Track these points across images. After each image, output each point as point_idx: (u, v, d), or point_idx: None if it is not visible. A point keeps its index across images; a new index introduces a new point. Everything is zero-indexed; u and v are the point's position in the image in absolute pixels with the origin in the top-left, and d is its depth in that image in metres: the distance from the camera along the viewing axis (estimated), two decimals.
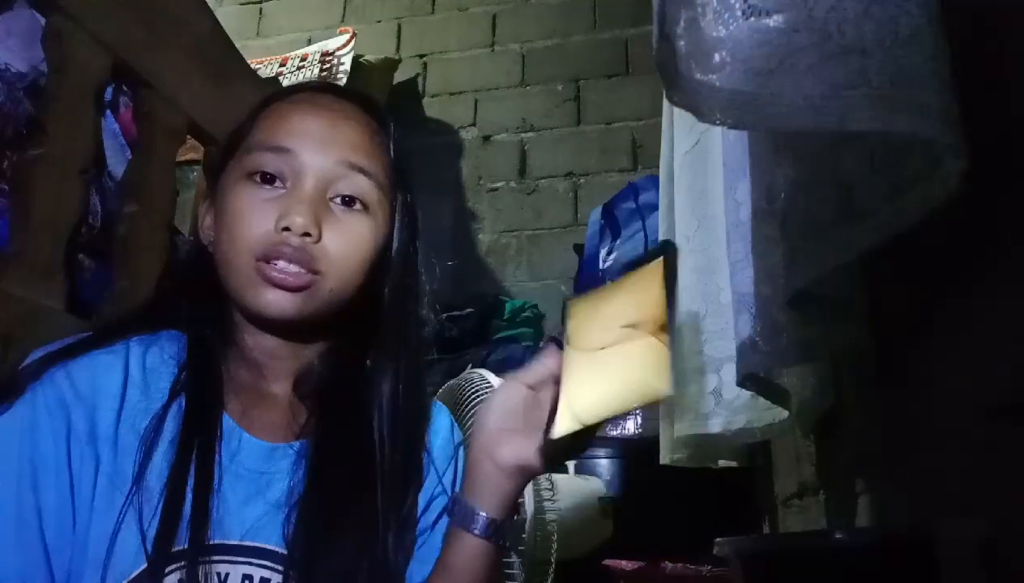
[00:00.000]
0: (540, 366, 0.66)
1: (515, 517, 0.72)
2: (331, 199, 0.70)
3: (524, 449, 0.64)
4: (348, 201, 0.70)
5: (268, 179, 0.69)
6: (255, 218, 0.68)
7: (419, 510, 0.73)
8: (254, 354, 0.73)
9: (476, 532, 0.65)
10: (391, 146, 0.75)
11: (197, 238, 0.77)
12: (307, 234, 0.67)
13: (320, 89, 0.76)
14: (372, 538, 0.67)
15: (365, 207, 0.71)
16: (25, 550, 0.60)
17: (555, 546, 1.46)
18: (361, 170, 0.71)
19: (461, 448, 0.79)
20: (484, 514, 0.66)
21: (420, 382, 0.77)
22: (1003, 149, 0.68)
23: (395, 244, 0.74)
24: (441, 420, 0.79)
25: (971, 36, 0.69)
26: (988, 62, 0.72)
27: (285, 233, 0.67)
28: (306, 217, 0.67)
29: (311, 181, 0.69)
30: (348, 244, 0.70)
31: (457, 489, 0.75)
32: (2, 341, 0.94)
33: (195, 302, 0.74)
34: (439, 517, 0.73)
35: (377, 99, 0.81)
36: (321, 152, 0.70)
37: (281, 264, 0.67)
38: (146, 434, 0.65)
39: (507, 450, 0.65)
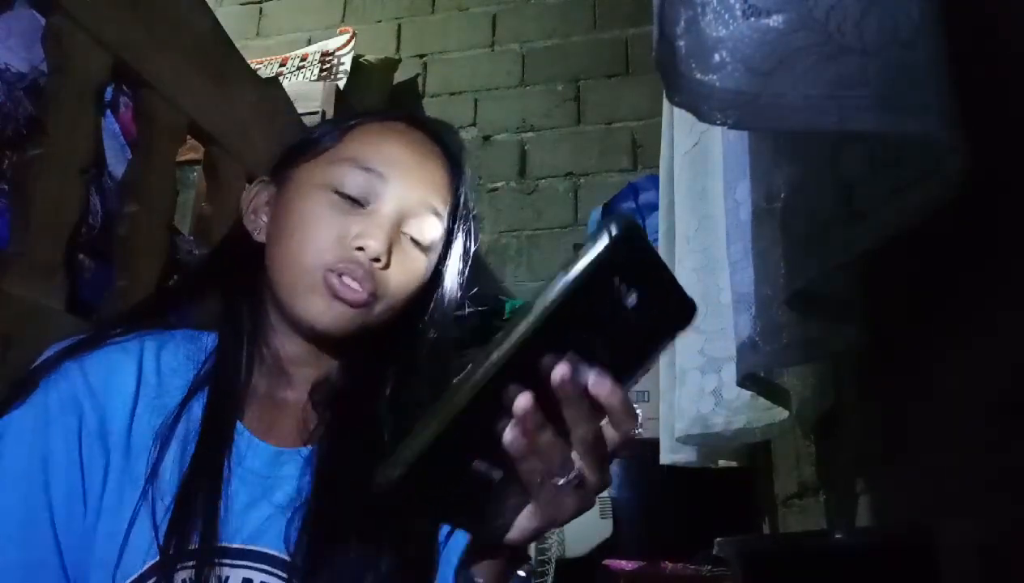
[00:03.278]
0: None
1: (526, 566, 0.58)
2: (403, 232, 0.72)
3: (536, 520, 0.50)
4: (418, 241, 0.73)
5: (349, 197, 0.70)
6: (332, 229, 0.69)
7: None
8: (277, 358, 0.74)
9: None
10: (462, 191, 0.78)
11: (237, 231, 0.77)
12: (377, 259, 0.69)
13: (414, 123, 0.78)
14: (377, 548, 0.66)
15: (428, 248, 0.74)
16: (35, 544, 0.61)
17: (555, 546, 1.46)
18: (436, 213, 0.73)
19: None
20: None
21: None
22: (1003, 149, 0.68)
23: (445, 285, 0.77)
24: None
25: (971, 36, 0.69)
26: (988, 62, 0.72)
27: (359, 252, 0.68)
28: (382, 243, 0.69)
29: (393, 210, 0.71)
30: (406, 278, 0.72)
31: None
32: (2, 341, 0.94)
33: (232, 297, 0.75)
34: (451, 532, 0.71)
35: (461, 141, 0.84)
36: (408, 186, 0.72)
37: (346, 279, 0.68)
38: (161, 432, 0.66)
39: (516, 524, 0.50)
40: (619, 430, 0.47)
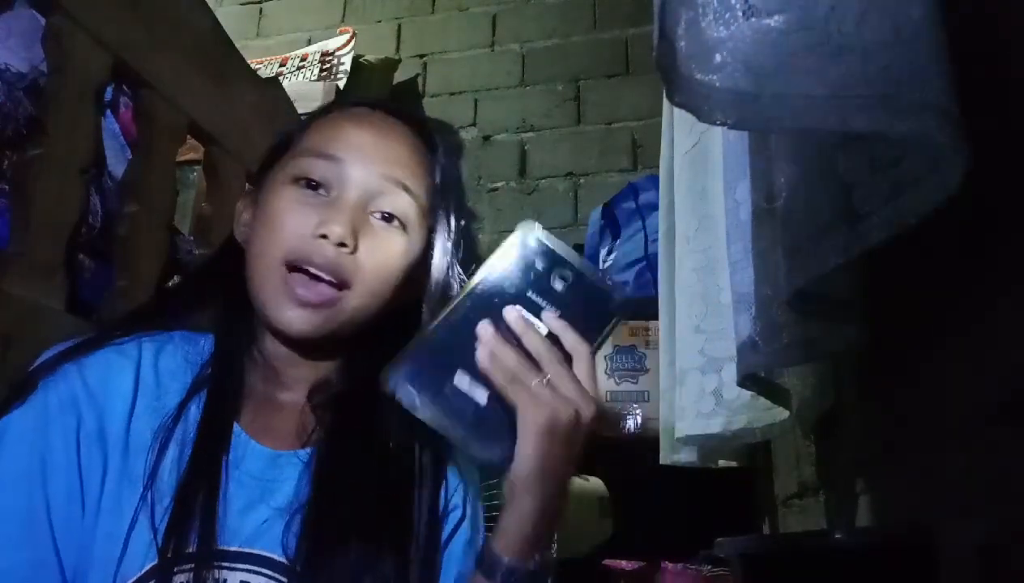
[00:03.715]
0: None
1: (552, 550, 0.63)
2: (371, 213, 0.70)
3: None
4: (387, 217, 0.70)
5: (312, 185, 0.69)
6: (294, 220, 0.68)
7: (440, 530, 0.71)
8: (272, 361, 0.73)
9: None
10: (438, 169, 0.76)
11: (230, 235, 0.77)
12: (343, 244, 0.67)
13: (376, 106, 0.77)
14: (377, 550, 0.66)
15: (403, 226, 0.71)
16: (35, 545, 0.60)
17: (555, 546, 1.46)
18: (404, 187, 0.71)
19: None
20: (522, 564, 0.59)
21: None
22: (1004, 149, 0.68)
23: (433, 267, 0.74)
24: None
25: (972, 36, 0.69)
26: (989, 62, 0.72)
27: (321, 240, 0.67)
28: (345, 227, 0.67)
29: (354, 192, 0.69)
30: (381, 260, 0.70)
31: (471, 503, 0.73)
32: (2, 341, 0.94)
33: (226, 301, 0.74)
34: (453, 532, 0.72)
35: (432, 122, 0.81)
36: (367, 165, 0.70)
37: (312, 270, 0.67)
38: (159, 434, 0.66)
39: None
40: (576, 353, 0.58)
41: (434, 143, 0.77)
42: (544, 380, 0.56)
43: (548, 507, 0.58)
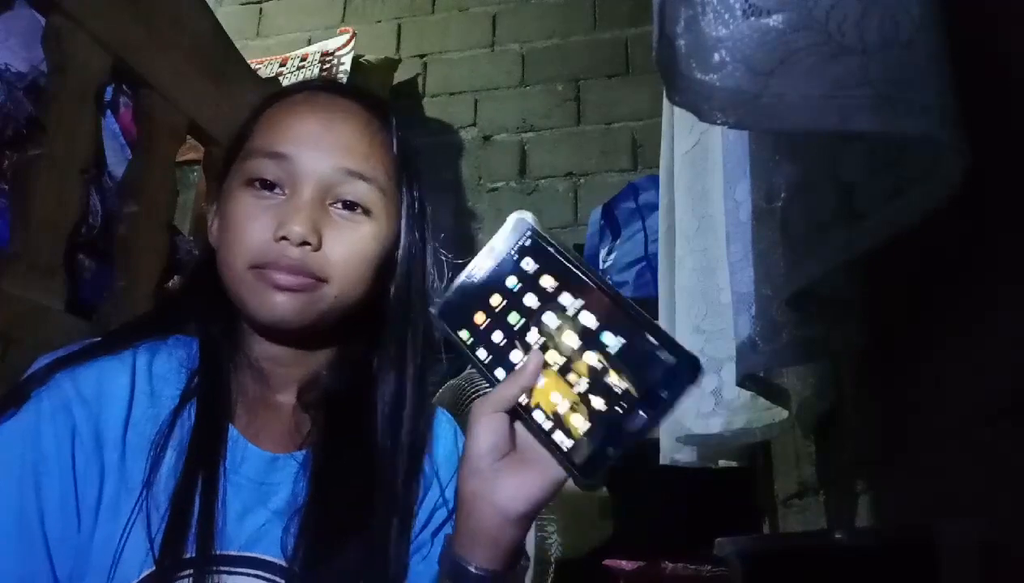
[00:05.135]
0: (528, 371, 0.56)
1: (524, 561, 0.63)
2: (331, 205, 0.68)
3: (534, 484, 0.56)
4: (349, 205, 0.69)
5: (267, 186, 0.68)
6: (252, 226, 0.66)
7: (420, 523, 0.71)
8: (260, 362, 0.72)
9: None
10: (394, 144, 0.73)
11: (206, 241, 0.75)
12: (306, 243, 0.65)
13: (318, 88, 0.74)
14: (374, 551, 0.66)
15: (367, 211, 0.69)
16: (27, 555, 0.60)
17: (555, 546, 1.46)
18: (360, 176, 0.69)
19: None
20: (483, 570, 0.58)
21: (424, 386, 0.74)
22: (1004, 149, 0.68)
23: (402, 244, 0.72)
24: (443, 427, 0.77)
25: (972, 36, 0.69)
26: (989, 62, 0.72)
27: (283, 242, 0.65)
28: (304, 226, 0.65)
29: (309, 188, 0.67)
30: (350, 249, 0.68)
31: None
32: (2, 341, 0.94)
33: (205, 307, 0.73)
34: (439, 529, 0.72)
35: (379, 96, 0.79)
36: (318, 158, 0.68)
37: (279, 275, 0.65)
38: (156, 440, 0.65)
39: (512, 489, 0.56)
40: None
41: (387, 116, 0.74)
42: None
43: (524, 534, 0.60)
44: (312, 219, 0.66)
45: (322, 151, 0.68)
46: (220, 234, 0.70)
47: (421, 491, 0.72)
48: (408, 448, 0.71)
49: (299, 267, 0.66)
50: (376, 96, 0.78)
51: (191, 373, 0.70)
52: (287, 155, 0.68)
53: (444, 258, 0.76)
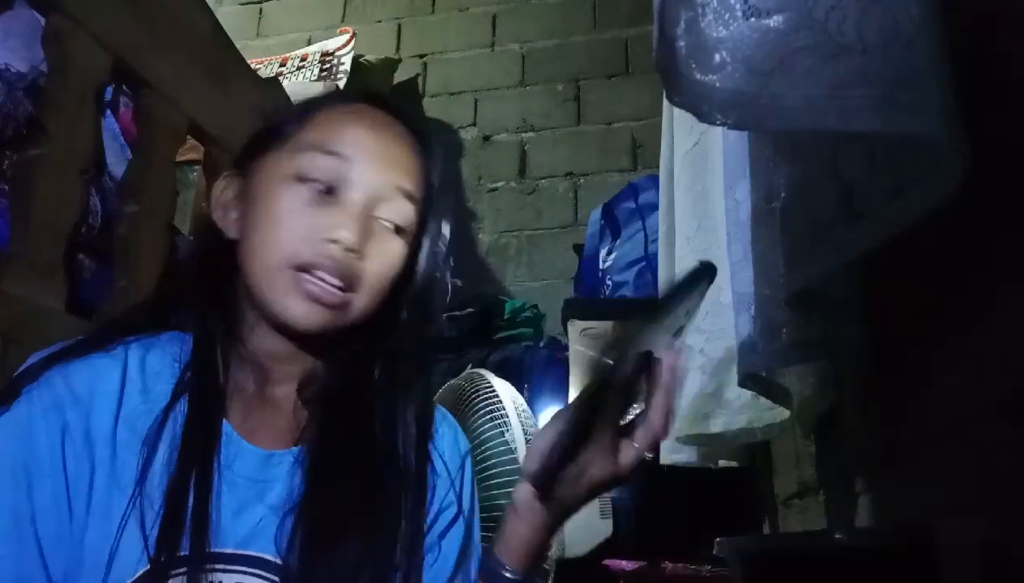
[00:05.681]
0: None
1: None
2: (376, 218, 0.69)
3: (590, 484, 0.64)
4: (392, 224, 0.70)
5: (318, 185, 0.68)
6: (297, 222, 0.67)
7: (426, 523, 0.71)
8: (259, 357, 0.72)
9: None
10: (434, 173, 0.76)
11: (211, 229, 0.74)
12: (352, 250, 0.66)
13: (376, 103, 0.75)
14: (371, 548, 0.65)
15: (401, 230, 0.71)
16: (20, 553, 0.59)
17: (555, 546, 1.46)
18: (409, 196, 0.71)
19: (468, 457, 0.78)
20: (517, 576, 0.66)
21: (428, 393, 0.77)
22: (1004, 149, 0.68)
23: (421, 267, 0.74)
24: (445, 428, 0.77)
25: (972, 36, 0.69)
26: (989, 62, 0.72)
27: (332, 245, 0.66)
28: (356, 233, 0.67)
29: (362, 196, 0.68)
30: (384, 264, 0.70)
31: (466, 501, 0.74)
32: (2, 341, 0.94)
33: (203, 297, 0.72)
34: (447, 530, 0.72)
35: (424, 123, 0.81)
36: (376, 170, 0.69)
37: (321, 275, 0.66)
38: (148, 437, 0.65)
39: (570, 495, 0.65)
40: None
41: (430, 145, 0.76)
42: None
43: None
44: (363, 228, 0.68)
45: (380, 163, 0.70)
46: (253, 221, 0.69)
47: (428, 491, 0.72)
48: (410, 446, 0.71)
49: (340, 271, 0.66)
50: (423, 123, 0.80)
51: (184, 368, 0.69)
52: (347, 157, 0.68)
53: (455, 284, 0.79)
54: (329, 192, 0.68)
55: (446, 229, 0.77)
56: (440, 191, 0.76)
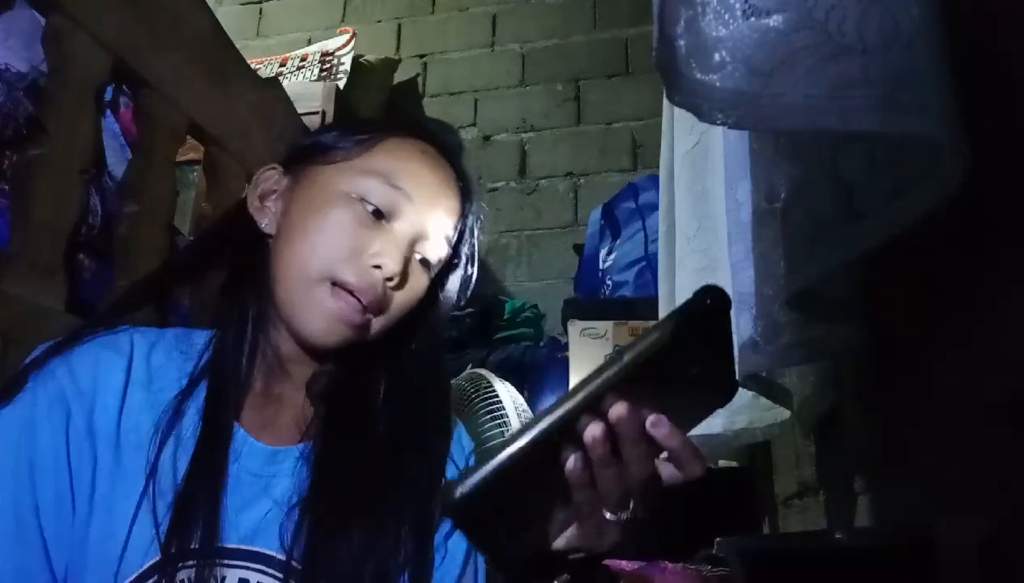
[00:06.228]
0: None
1: None
2: (415, 253, 0.73)
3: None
4: (425, 260, 0.74)
5: (375, 211, 0.71)
6: (346, 239, 0.69)
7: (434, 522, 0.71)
8: (276, 355, 0.73)
9: None
10: (468, 219, 0.79)
11: (240, 211, 0.76)
12: (391, 279, 0.69)
13: (437, 145, 0.78)
14: (375, 545, 0.66)
15: (430, 266, 0.75)
16: (23, 547, 0.60)
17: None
18: (447, 239, 0.75)
19: (472, 457, 0.78)
20: None
21: (440, 383, 0.79)
22: (1004, 149, 0.68)
23: (442, 299, 0.78)
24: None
25: (972, 36, 0.69)
26: (989, 62, 0.72)
27: (375, 271, 0.69)
28: (399, 264, 0.70)
29: (411, 231, 0.72)
30: (411, 296, 0.73)
31: None
32: (2, 341, 0.94)
33: (230, 291, 0.74)
34: (453, 531, 0.72)
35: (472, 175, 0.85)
36: (429, 213, 0.73)
37: (357, 296, 0.68)
38: (159, 428, 0.65)
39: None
40: (684, 471, 0.51)
41: (472, 192, 0.80)
42: (625, 515, 0.54)
43: None
44: (406, 260, 0.71)
45: (434, 209, 0.73)
46: (294, 226, 0.71)
47: (436, 487, 0.72)
48: (415, 444, 0.71)
49: (374, 295, 0.69)
50: (467, 168, 0.83)
51: (193, 364, 0.70)
52: (409, 195, 0.71)
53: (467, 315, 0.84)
54: (378, 215, 0.70)
55: (471, 270, 0.81)
56: (471, 235, 0.80)
